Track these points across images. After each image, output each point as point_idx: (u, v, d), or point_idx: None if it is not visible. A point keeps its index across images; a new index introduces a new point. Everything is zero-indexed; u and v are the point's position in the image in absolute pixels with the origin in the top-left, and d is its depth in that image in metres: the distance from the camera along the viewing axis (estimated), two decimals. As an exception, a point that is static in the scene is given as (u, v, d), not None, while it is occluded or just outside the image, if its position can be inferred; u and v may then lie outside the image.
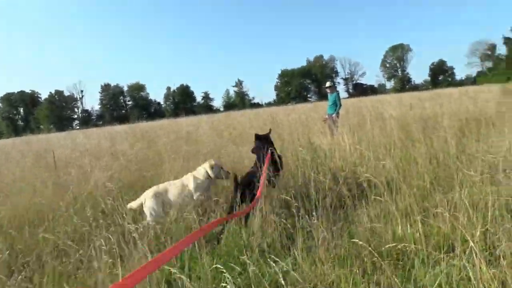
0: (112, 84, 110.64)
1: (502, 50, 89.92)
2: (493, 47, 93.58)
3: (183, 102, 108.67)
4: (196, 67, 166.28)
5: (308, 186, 4.48)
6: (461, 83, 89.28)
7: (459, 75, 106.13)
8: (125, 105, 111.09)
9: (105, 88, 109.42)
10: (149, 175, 6.65)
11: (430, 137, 6.70)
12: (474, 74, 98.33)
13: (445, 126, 7.70)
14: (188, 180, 5.06)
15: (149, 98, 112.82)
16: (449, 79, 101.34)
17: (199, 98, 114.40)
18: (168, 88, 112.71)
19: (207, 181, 5.09)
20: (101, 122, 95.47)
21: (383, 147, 6.47)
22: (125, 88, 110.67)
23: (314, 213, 3.80)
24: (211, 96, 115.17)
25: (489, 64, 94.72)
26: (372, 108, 14.76)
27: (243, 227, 4.12)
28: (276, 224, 3.91)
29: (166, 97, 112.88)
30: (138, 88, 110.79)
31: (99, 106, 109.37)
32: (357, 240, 3.03)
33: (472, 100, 15.70)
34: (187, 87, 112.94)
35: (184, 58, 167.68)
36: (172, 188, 4.98)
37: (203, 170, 5.15)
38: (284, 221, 3.95)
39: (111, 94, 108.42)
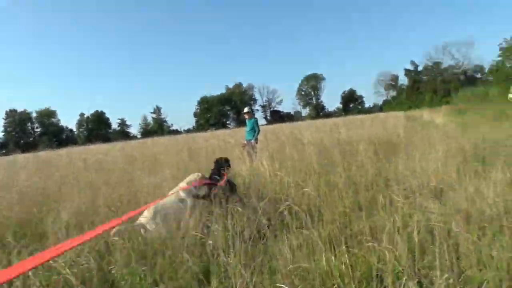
0: (19, 109, 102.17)
1: (404, 80, 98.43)
2: (396, 78, 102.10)
3: (97, 128, 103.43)
4: (111, 93, 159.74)
5: (225, 217, 4.07)
6: (369, 110, 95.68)
7: (368, 103, 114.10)
8: (33, 132, 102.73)
9: (11, 114, 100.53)
10: (44, 209, 5.78)
11: (348, 161, 6.69)
12: (380, 102, 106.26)
13: (361, 150, 7.80)
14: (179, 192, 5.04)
15: (61, 124, 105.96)
16: (359, 107, 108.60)
17: (115, 124, 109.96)
18: (82, 114, 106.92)
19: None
20: (4, 151, 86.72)
21: (303, 173, 6.31)
22: (34, 114, 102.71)
23: (231, 250, 3.38)
24: (128, 122, 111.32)
25: (393, 93, 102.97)
26: (290, 134, 14.89)
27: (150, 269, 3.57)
28: (187, 263, 3.42)
29: (80, 123, 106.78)
30: (48, 114, 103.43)
31: (3, 134, 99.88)
32: (282, 286, 2.66)
33: (382, 125, 16.55)
34: (102, 113, 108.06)
35: (99, 84, 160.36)
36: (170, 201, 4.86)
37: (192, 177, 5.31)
38: (198, 259, 3.49)
39: (17, 121, 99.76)
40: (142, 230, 4.41)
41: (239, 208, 4.16)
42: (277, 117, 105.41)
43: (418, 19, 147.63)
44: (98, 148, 26.40)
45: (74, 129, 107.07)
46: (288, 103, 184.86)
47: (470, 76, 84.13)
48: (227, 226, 3.86)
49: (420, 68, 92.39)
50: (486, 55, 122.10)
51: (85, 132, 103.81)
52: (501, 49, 57.01)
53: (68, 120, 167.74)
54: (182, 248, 3.61)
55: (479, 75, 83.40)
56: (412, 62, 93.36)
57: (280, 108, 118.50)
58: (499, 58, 58.31)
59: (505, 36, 66.72)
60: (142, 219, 4.51)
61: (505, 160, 5.81)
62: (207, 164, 7.93)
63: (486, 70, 75.29)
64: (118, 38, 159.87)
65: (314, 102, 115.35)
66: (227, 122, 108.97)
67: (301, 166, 6.78)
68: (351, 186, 5.43)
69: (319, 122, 32.20)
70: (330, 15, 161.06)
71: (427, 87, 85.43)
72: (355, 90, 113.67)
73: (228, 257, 3.32)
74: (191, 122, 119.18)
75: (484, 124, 14.94)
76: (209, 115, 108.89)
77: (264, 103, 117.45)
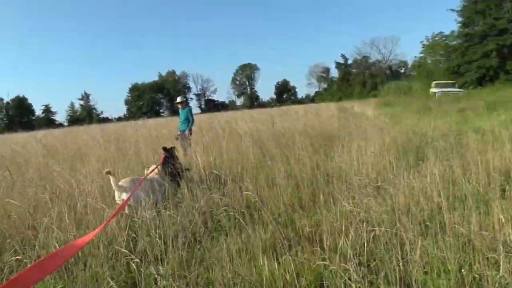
0: None
1: (334, 73, 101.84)
2: (327, 70, 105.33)
3: (19, 115, 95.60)
4: (35, 77, 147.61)
5: (156, 221, 3.64)
6: (302, 101, 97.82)
7: (300, 93, 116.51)
8: None
9: None
10: None
11: (286, 154, 6.49)
12: (312, 94, 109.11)
13: (298, 142, 7.67)
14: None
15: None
16: (292, 98, 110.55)
17: (39, 111, 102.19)
18: (1, 100, 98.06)
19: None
20: None
21: (240, 167, 6.00)
22: None
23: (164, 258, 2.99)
24: (53, 109, 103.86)
25: (324, 85, 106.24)
26: (225, 124, 14.54)
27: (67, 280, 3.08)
28: (108, 279, 2.97)
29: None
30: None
31: None
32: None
33: (316, 116, 16.71)
34: (24, 99, 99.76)
35: (19, 68, 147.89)
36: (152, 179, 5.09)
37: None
38: (123, 271, 3.05)
39: None
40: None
41: (171, 211, 3.75)
42: (211, 106, 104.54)
43: (349, 14, 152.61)
44: (17, 137, 24.31)
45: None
46: (223, 92, 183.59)
47: (395, 71, 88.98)
48: (157, 232, 3.44)
49: (349, 62, 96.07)
50: (409, 51, 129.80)
51: (5, 119, 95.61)
52: (423, 46, 60.72)
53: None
54: (106, 258, 3.15)
55: (403, 70, 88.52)
56: (342, 56, 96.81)
57: (215, 97, 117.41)
58: (422, 55, 62.21)
59: (427, 33, 71.56)
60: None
61: (438, 155, 5.95)
62: (136, 158, 7.35)
63: (409, 66, 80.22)
64: (40, 19, 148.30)
65: (249, 91, 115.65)
66: (161, 111, 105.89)
67: (238, 159, 6.47)
68: (291, 180, 5.23)
69: (254, 112, 32.15)
70: (262, 7, 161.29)
71: (356, 79, 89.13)
72: (288, 81, 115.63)
73: (159, 267, 2.92)
74: (122, 110, 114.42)
75: (409, 118, 15.62)
76: (141, 103, 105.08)
77: (199, 92, 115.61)
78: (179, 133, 10.23)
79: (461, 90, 33.40)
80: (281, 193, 4.59)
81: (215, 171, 4.94)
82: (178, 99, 10.59)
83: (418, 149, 7.21)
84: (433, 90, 34.34)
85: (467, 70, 43.52)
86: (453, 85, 34.56)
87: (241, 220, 3.53)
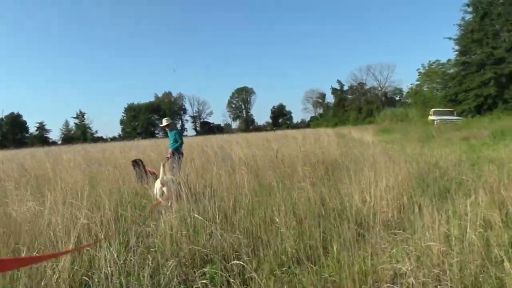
0: None
1: (330, 98, 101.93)
2: (323, 96, 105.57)
3: (12, 132, 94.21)
4: (30, 94, 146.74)
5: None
6: (297, 126, 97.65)
7: (296, 118, 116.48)
8: None
9: None
10: None
11: (287, 186, 5.61)
12: (308, 119, 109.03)
13: (300, 171, 6.82)
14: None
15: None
16: (288, 122, 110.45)
17: (33, 129, 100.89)
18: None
19: None
20: None
21: (233, 199, 5.09)
22: None
23: None
24: (47, 127, 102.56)
25: (320, 110, 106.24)
26: (219, 150, 13.64)
27: None
28: None
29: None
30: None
31: None
32: None
33: (315, 141, 15.87)
34: (19, 115, 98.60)
35: (15, 84, 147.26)
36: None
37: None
38: None
39: None
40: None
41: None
42: (206, 128, 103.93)
43: (346, 39, 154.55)
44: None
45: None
46: (219, 115, 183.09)
47: (390, 98, 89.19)
48: None
49: (345, 88, 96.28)
50: (405, 79, 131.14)
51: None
52: (419, 73, 60.78)
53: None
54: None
55: (398, 97, 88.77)
56: (339, 82, 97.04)
57: (210, 119, 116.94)
58: (418, 82, 62.24)
59: (423, 61, 71.99)
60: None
61: (462, 189, 5.11)
62: (111, 185, 6.43)
63: (405, 93, 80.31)
64: (39, 37, 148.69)
65: (244, 115, 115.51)
66: (156, 132, 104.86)
67: (231, 191, 5.57)
68: (292, 218, 4.32)
69: (250, 135, 31.31)
70: (259, 33, 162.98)
71: (352, 105, 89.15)
72: (284, 106, 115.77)
73: None
74: (117, 130, 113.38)
75: (412, 145, 14.89)
76: (136, 123, 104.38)
77: (195, 114, 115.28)
78: (168, 155, 9.49)
79: (460, 118, 32.92)
80: (282, 241, 3.66)
81: (199, 217, 3.94)
82: (164, 122, 9.80)
83: (436, 181, 6.36)
84: (431, 117, 33.90)
85: (464, 98, 43.15)
86: (451, 113, 34.17)
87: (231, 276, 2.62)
